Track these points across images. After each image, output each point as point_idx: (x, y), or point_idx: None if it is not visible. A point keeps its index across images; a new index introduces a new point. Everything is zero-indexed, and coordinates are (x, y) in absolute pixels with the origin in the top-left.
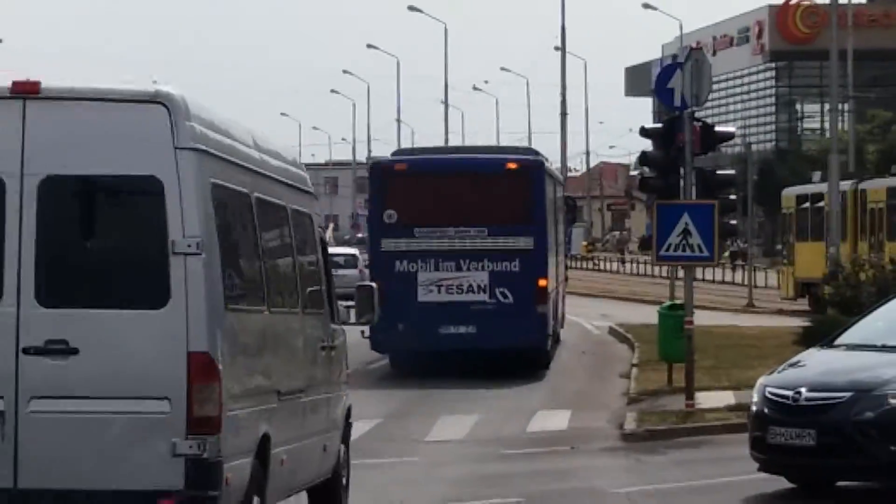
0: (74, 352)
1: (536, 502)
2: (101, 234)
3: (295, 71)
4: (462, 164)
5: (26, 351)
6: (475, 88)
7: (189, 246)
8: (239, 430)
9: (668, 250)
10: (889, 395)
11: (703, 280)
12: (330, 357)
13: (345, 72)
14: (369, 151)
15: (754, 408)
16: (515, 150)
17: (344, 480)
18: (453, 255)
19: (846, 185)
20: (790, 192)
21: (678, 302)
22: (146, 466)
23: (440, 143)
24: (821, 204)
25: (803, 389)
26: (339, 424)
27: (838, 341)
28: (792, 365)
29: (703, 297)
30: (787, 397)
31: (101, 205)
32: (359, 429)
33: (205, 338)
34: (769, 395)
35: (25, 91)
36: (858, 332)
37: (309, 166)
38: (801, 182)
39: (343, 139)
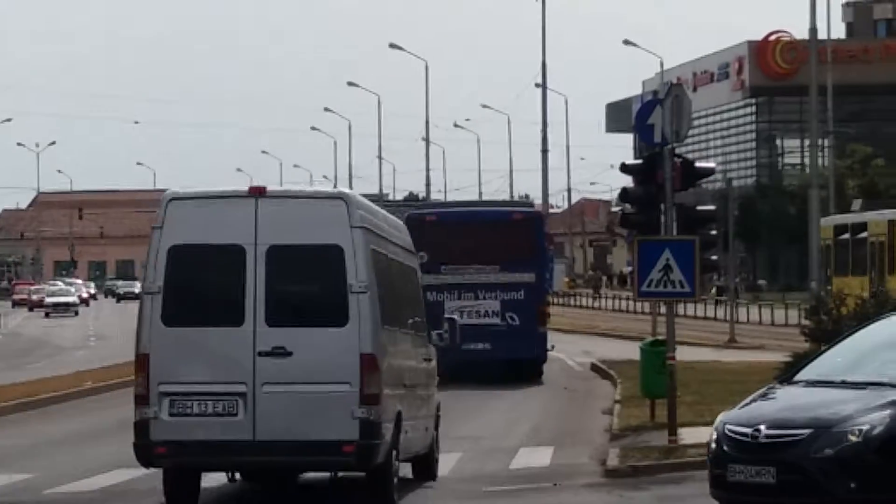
0: (290, 354)
1: None
2: (304, 280)
3: (275, 108)
4: (478, 215)
5: (260, 354)
6: (456, 125)
7: (360, 288)
8: (387, 405)
9: (649, 286)
10: (849, 432)
11: (685, 315)
12: (429, 366)
13: (326, 109)
14: (350, 189)
15: (714, 445)
16: (515, 203)
17: (435, 455)
18: (472, 287)
19: (886, 214)
20: (828, 223)
21: (660, 338)
22: (335, 425)
23: (422, 178)
24: (863, 235)
25: (762, 427)
26: (433, 414)
27: (798, 377)
28: (751, 402)
29: (685, 333)
30: (746, 434)
31: (305, 262)
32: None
33: (370, 344)
34: (728, 433)
35: (257, 192)
36: (818, 367)
37: None
38: (783, 217)
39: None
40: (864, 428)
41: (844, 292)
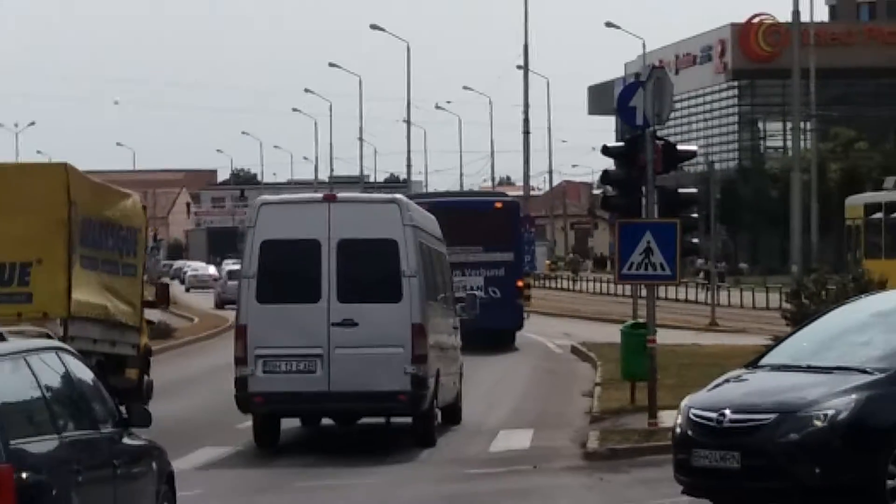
0: (356, 324)
1: None
2: (367, 266)
3: (256, 90)
4: (465, 204)
5: (333, 324)
6: (438, 107)
7: (410, 273)
8: (431, 364)
9: (630, 269)
10: (814, 417)
11: (666, 299)
12: (456, 334)
13: (307, 90)
14: (332, 170)
15: (678, 430)
16: (496, 194)
17: (459, 404)
18: (459, 265)
19: None
20: (856, 201)
21: (641, 321)
22: (392, 379)
23: (403, 160)
24: None
25: (727, 411)
26: (459, 371)
27: (763, 361)
28: (716, 386)
29: (665, 316)
30: (711, 419)
31: (367, 252)
32: (316, 449)
33: (419, 316)
34: (693, 417)
35: (330, 199)
36: (784, 352)
37: (270, 186)
38: (763, 200)
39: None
40: (830, 413)
41: (883, 277)
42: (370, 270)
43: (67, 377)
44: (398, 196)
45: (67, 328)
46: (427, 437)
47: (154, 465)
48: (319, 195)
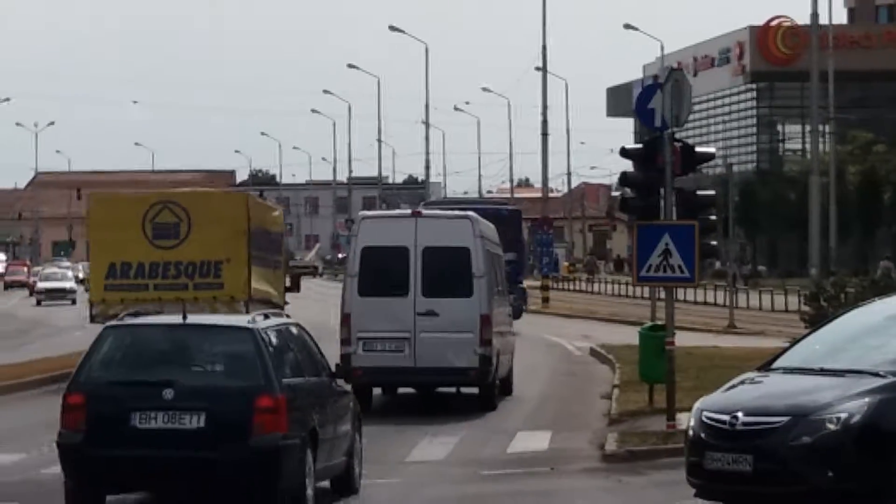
0: (437, 314)
1: None
2: (446, 268)
3: (275, 90)
4: (479, 210)
5: (418, 314)
6: (456, 109)
7: (479, 274)
8: (494, 346)
9: (648, 271)
10: (826, 420)
11: (685, 301)
12: (510, 321)
13: (325, 91)
14: (350, 171)
15: (691, 432)
16: (501, 202)
17: (511, 378)
18: None
19: None
20: None
21: (659, 323)
22: (465, 358)
23: (421, 161)
24: None
25: (740, 414)
26: (511, 352)
27: (776, 364)
28: (729, 388)
29: (684, 318)
30: (723, 422)
31: (446, 257)
32: None
33: (486, 308)
34: (706, 420)
35: (416, 214)
36: (796, 355)
37: (289, 186)
38: (783, 203)
39: (324, 159)
40: (843, 416)
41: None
42: (448, 272)
43: (304, 341)
44: (470, 213)
45: (248, 307)
46: (489, 404)
47: (350, 403)
48: (408, 211)
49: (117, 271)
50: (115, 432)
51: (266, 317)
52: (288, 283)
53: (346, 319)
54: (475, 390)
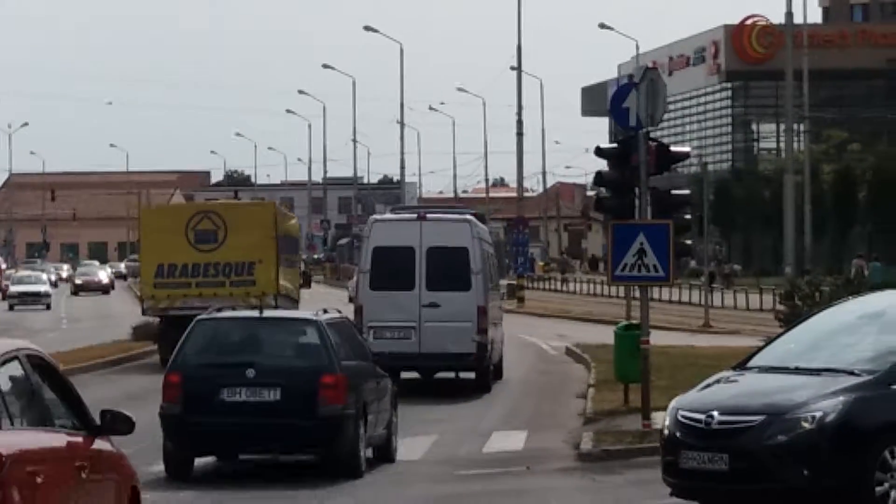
0: (439, 306)
1: None
2: (447, 266)
3: (250, 91)
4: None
5: (423, 305)
6: (431, 108)
7: (476, 270)
8: (490, 335)
9: (623, 270)
10: (802, 419)
11: (660, 300)
12: (502, 314)
13: (300, 92)
14: (325, 172)
15: (666, 432)
16: (463, 209)
17: (502, 364)
18: None
19: None
20: None
21: (634, 322)
22: (464, 344)
23: (396, 161)
24: None
25: (715, 413)
26: (502, 340)
27: (751, 363)
28: (704, 388)
29: (659, 318)
30: (699, 421)
31: (447, 256)
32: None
33: (483, 301)
34: (681, 419)
35: (422, 218)
36: (771, 353)
37: (264, 187)
38: (757, 201)
39: (299, 159)
40: (818, 415)
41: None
42: (449, 268)
43: (352, 331)
44: (469, 216)
45: (277, 301)
46: (485, 386)
47: (389, 385)
48: (414, 215)
49: (164, 271)
50: (207, 404)
51: (325, 311)
52: (300, 281)
53: (359, 310)
54: (472, 375)
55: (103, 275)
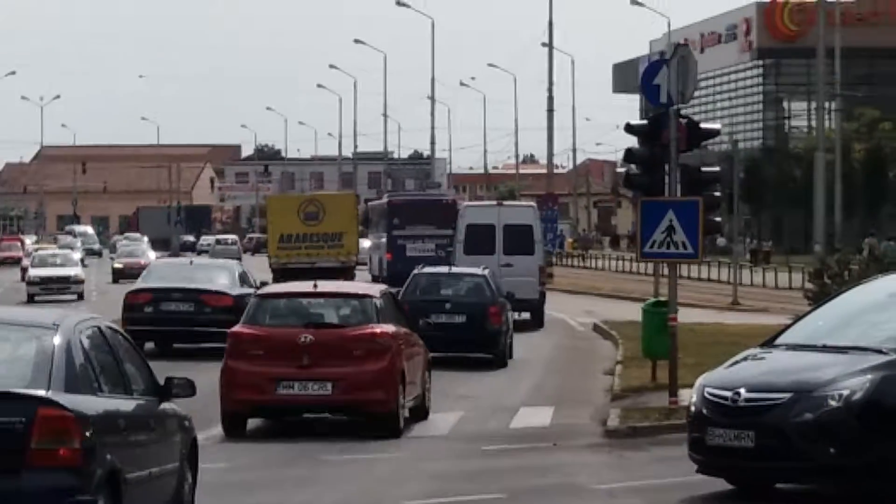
0: (512, 266)
1: (518, 498)
2: (518, 238)
3: (281, 65)
4: (427, 198)
5: (500, 266)
6: (462, 84)
7: (537, 241)
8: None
9: (652, 247)
10: (829, 397)
11: (688, 277)
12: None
13: (331, 66)
14: (355, 147)
15: (693, 408)
16: (442, 194)
17: (544, 308)
18: (421, 236)
19: None
20: None
21: (662, 299)
22: (530, 292)
23: (427, 137)
24: None
25: (742, 390)
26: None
27: (779, 341)
28: (731, 365)
29: (687, 295)
30: (726, 398)
31: (518, 231)
32: (341, 423)
33: (541, 262)
34: (708, 396)
35: (500, 204)
36: (799, 331)
37: (294, 161)
38: (787, 179)
39: (329, 134)
40: (845, 393)
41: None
42: (519, 239)
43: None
44: (532, 203)
45: (356, 259)
46: (541, 321)
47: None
48: (494, 202)
49: (284, 238)
50: (420, 323)
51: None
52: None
53: None
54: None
55: (150, 256)
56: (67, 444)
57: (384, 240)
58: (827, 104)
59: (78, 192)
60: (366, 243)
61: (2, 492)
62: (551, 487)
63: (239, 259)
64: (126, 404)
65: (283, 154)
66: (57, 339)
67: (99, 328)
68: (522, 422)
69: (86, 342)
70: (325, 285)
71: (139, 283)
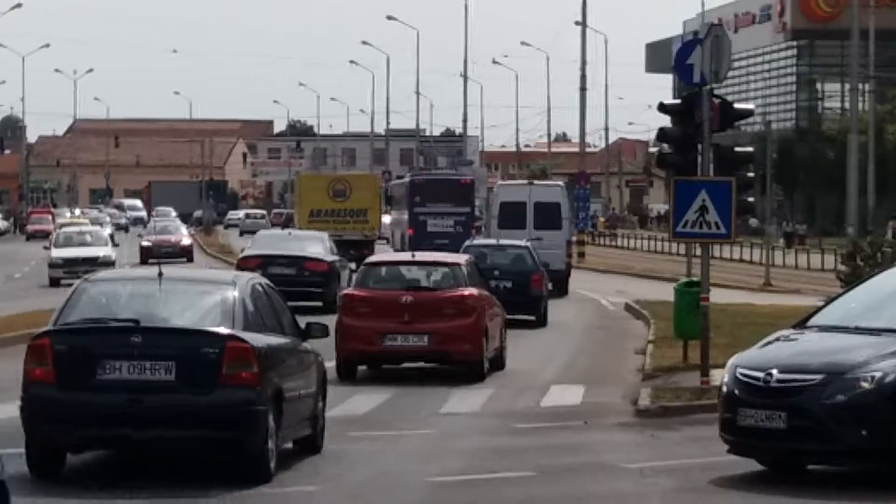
0: (541, 239)
1: (548, 476)
2: (547, 213)
3: (314, 41)
4: (445, 177)
5: (529, 239)
6: (495, 62)
7: (565, 217)
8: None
9: (685, 227)
10: (861, 379)
11: (721, 258)
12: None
13: (364, 43)
14: (388, 123)
15: (725, 389)
16: (460, 175)
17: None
18: (441, 214)
19: None
20: None
21: (695, 279)
22: (558, 263)
23: (459, 115)
24: None
25: (774, 371)
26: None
27: (811, 322)
28: (764, 346)
29: (719, 275)
30: (758, 379)
31: (547, 207)
32: (373, 401)
33: (569, 236)
34: (740, 377)
35: (531, 183)
36: (832, 313)
37: (326, 137)
38: (820, 161)
39: (361, 111)
40: (877, 375)
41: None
42: (548, 215)
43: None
44: (560, 182)
45: (379, 235)
46: (566, 290)
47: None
48: (525, 181)
49: (314, 213)
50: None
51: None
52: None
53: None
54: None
55: (183, 232)
56: (248, 368)
57: (406, 216)
58: (860, 86)
59: (111, 166)
60: (386, 219)
61: (202, 403)
62: (581, 466)
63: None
64: (282, 341)
65: (316, 130)
66: (235, 292)
67: (260, 284)
68: (553, 400)
69: (254, 294)
70: (422, 255)
71: (249, 251)
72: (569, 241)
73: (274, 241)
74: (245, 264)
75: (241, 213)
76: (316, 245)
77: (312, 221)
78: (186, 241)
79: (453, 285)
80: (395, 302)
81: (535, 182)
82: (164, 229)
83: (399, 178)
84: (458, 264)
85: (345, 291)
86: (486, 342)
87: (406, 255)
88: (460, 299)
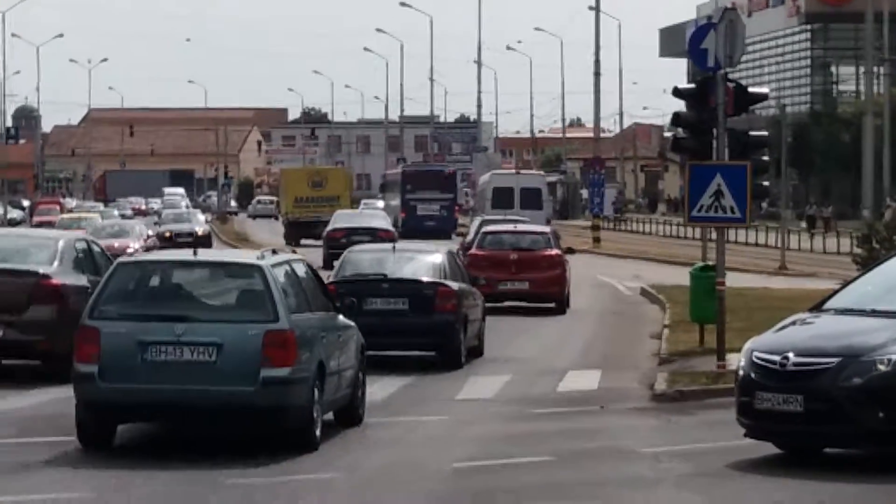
0: (527, 221)
1: (565, 461)
2: (531, 197)
3: (328, 29)
4: (432, 168)
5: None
6: (509, 48)
7: (545, 199)
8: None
9: (700, 211)
10: (877, 361)
11: (736, 242)
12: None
13: (378, 30)
14: (402, 110)
15: (741, 372)
16: (444, 165)
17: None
18: (430, 200)
19: None
20: None
21: (710, 263)
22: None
23: (473, 101)
24: None
25: (791, 354)
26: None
27: (827, 305)
28: (780, 329)
29: (735, 259)
30: (774, 362)
31: (531, 192)
32: (389, 387)
33: (549, 216)
34: (756, 360)
35: (517, 172)
36: (848, 296)
37: (341, 125)
38: (835, 144)
39: (376, 97)
40: (894, 357)
41: None
42: (531, 198)
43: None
44: (541, 172)
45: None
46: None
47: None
48: (514, 171)
49: (298, 200)
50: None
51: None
52: None
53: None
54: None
55: (199, 220)
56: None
57: (398, 202)
58: (875, 69)
59: (125, 155)
60: (379, 204)
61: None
62: (598, 450)
63: (275, 217)
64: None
65: (330, 117)
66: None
67: (302, 262)
68: (570, 385)
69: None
70: (521, 226)
71: (335, 224)
72: (548, 218)
73: (352, 217)
74: (332, 235)
75: (253, 200)
76: (384, 220)
77: (297, 206)
78: (201, 229)
79: (544, 247)
80: (505, 258)
81: (522, 171)
82: (178, 218)
83: (391, 170)
84: (545, 233)
85: (470, 251)
86: (567, 287)
87: (511, 226)
88: (550, 257)
